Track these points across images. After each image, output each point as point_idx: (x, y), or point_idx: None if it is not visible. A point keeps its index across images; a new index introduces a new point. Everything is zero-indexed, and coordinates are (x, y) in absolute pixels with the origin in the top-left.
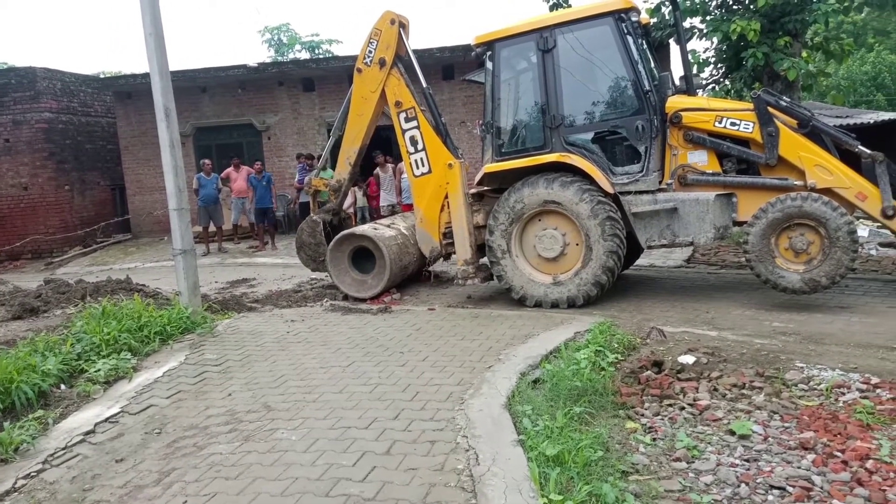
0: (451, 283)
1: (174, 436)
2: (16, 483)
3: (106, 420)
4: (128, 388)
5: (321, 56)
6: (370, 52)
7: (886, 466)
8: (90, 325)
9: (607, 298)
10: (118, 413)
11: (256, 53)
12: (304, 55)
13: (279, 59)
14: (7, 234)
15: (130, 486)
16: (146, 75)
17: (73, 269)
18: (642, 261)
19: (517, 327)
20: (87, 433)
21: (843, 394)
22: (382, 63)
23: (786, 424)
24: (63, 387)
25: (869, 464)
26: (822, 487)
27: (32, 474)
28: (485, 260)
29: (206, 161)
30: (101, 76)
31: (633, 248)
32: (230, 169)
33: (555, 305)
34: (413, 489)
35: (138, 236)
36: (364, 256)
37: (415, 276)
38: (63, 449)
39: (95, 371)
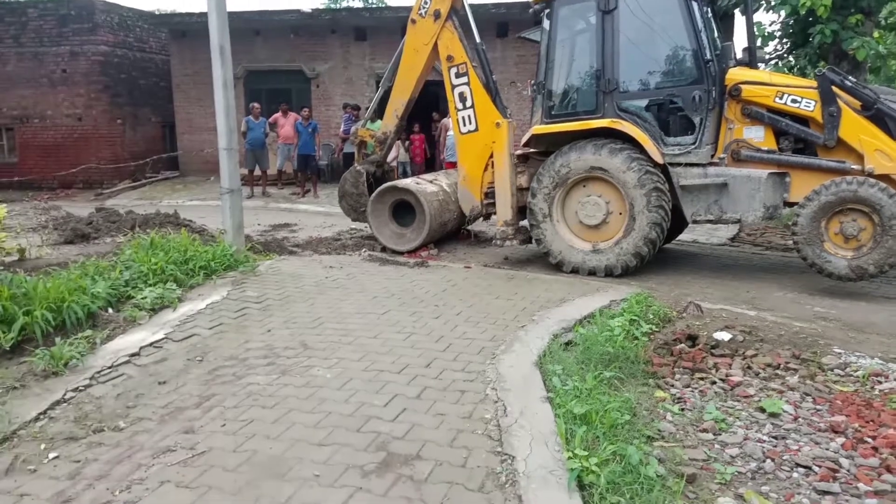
0: (489, 243)
1: (214, 364)
2: (65, 395)
3: (150, 344)
4: (172, 316)
5: (374, 5)
6: (426, 3)
7: None
8: (138, 255)
9: (646, 270)
10: (162, 339)
11: None
12: (358, 3)
13: (332, 6)
14: (60, 162)
15: (172, 406)
16: (202, 14)
17: (122, 201)
18: (685, 236)
19: (552, 291)
20: (133, 355)
21: (880, 382)
22: (437, 15)
23: (818, 407)
24: (111, 310)
25: None
26: (848, 470)
27: (81, 388)
28: (525, 222)
29: (255, 104)
30: (157, 13)
31: (678, 222)
32: (278, 114)
33: (592, 273)
34: (441, 433)
35: (186, 174)
36: (405, 210)
37: (454, 233)
38: (109, 368)
39: (142, 298)
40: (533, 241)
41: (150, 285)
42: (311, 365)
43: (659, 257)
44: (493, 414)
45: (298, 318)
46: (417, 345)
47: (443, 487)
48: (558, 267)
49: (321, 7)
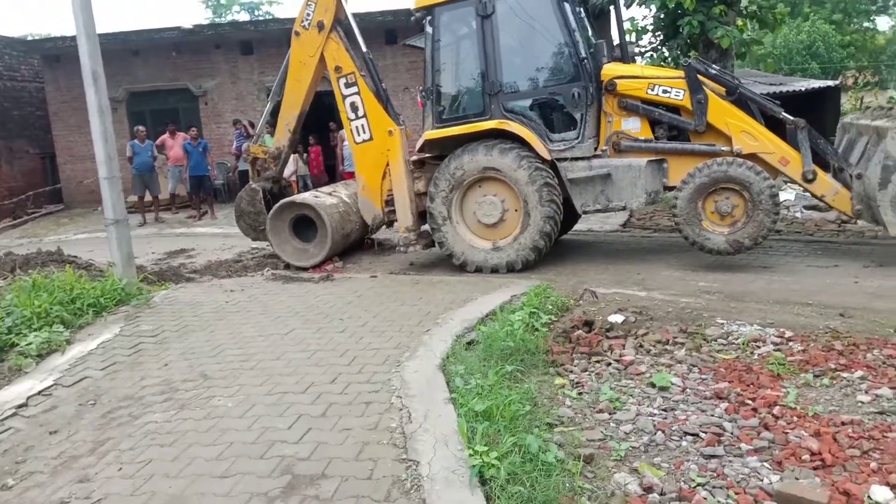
0: (394, 250)
1: (109, 406)
2: None
3: (39, 393)
4: (61, 360)
5: (260, 18)
6: (308, 14)
7: (791, 412)
8: (20, 298)
9: (545, 262)
10: (51, 386)
11: (194, 15)
12: (243, 17)
13: (217, 20)
14: None
15: (65, 456)
16: (75, 38)
17: (2, 241)
18: (580, 226)
19: (456, 292)
20: (20, 406)
21: (759, 347)
22: (321, 26)
23: (703, 376)
24: None
25: (776, 410)
26: (731, 433)
27: None
28: (426, 227)
29: (140, 127)
30: (28, 38)
31: (572, 214)
32: (165, 136)
33: (495, 270)
34: (347, 447)
35: (71, 206)
36: (306, 225)
37: (358, 243)
38: None
39: (27, 344)
40: (436, 244)
41: (35, 330)
42: (211, 395)
43: (557, 249)
44: (399, 422)
45: (197, 348)
46: (322, 361)
47: (349, 503)
48: (462, 268)
49: (204, 23)
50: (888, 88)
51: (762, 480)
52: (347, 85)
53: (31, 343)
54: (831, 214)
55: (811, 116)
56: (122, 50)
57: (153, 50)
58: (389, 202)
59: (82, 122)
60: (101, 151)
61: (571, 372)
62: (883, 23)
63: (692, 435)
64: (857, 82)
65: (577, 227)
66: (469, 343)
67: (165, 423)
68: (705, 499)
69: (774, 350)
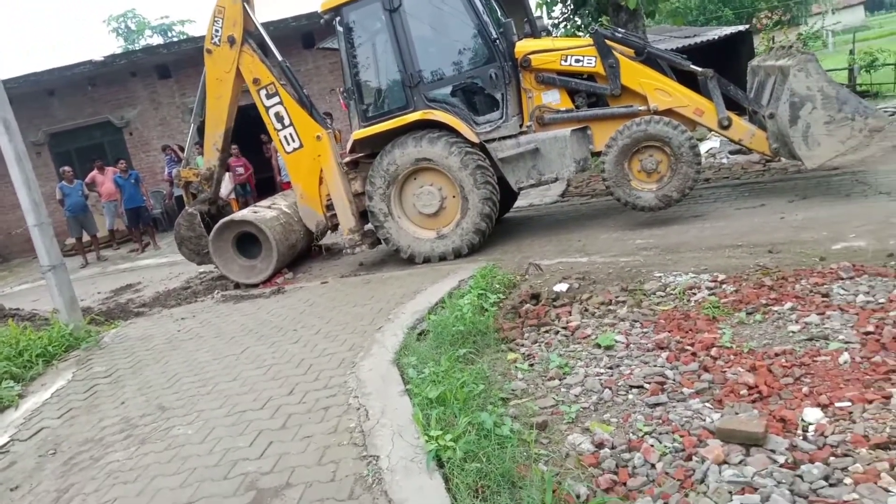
0: (342, 253)
1: (70, 453)
2: None
3: None
4: (16, 415)
5: (174, 39)
6: (217, 31)
7: (728, 351)
8: None
9: (491, 243)
10: (8, 442)
11: (107, 45)
12: (157, 40)
13: (130, 47)
14: None
15: None
16: None
17: None
18: (521, 202)
19: (406, 285)
20: None
21: (695, 294)
22: (232, 41)
23: (644, 330)
24: None
25: (713, 351)
26: (674, 379)
27: None
28: (370, 226)
29: (66, 168)
30: None
31: (510, 192)
32: (94, 172)
33: (442, 258)
34: (309, 454)
35: (9, 258)
36: (250, 241)
37: (305, 252)
38: None
39: None
40: (381, 241)
41: None
42: (170, 426)
43: (501, 228)
44: (357, 421)
45: (153, 382)
46: (278, 375)
47: None
48: (411, 260)
49: (117, 52)
50: (800, 25)
51: (704, 420)
52: (268, 96)
53: None
54: (756, 156)
55: (728, 63)
56: (37, 91)
57: (68, 87)
58: (330, 206)
59: (5, 171)
60: (26, 199)
61: (522, 346)
62: None
63: (637, 387)
64: (770, 23)
65: (517, 203)
66: (421, 334)
67: (127, 460)
68: (652, 446)
69: (709, 295)
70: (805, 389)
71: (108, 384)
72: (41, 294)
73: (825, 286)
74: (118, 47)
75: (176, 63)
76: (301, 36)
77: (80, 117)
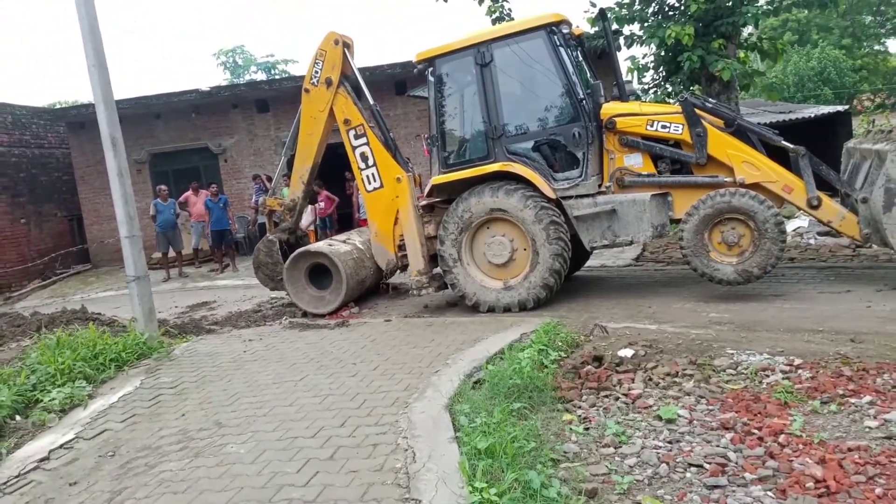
0: (409, 293)
1: (127, 457)
2: None
3: (60, 446)
4: (83, 414)
5: (277, 77)
6: (316, 72)
7: (797, 440)
8: (45, 356)
9: (557, 299)
10: (73, 439)
11: (213, 77)
12: (261, 76)
13: (235, 81)
14: None
15: None
16: None
17: (32, 302)
18: (594, 262)
19: (468, 332)
20: (42, 460)
21: (768, 376)
22: (329, 83)
23: (710, 407)
24: (18, 417)
25: (781, 438)
26: (736, 462)
27: None
28: (438, 269)
29: (163, 187)
30: (57, 106)
31: (583, 251)
32: (189, 193)
33: (507, 309)
34: (353, 489)
35: (98, 266)
36: (322, 273)
37: (373, 288)
38: (16, 477)
39: (50, 400)
40: (448, 286)
41: (59, 386)
42: (224, 443)
43: (570, 286)
44: (404, 462)
45: (214, 398)
46: (333, 406)
47: None
48: (475, 308)
49: (223, 84)
50: None
51: None
52: (357, 136)
53: (54, 399)
54: (845, 240)
55: (824, 142)
56: (144, 114)
57: (173, 112)
58: (402, 247)
59: (107, 184)
60: (122, 212)
61: (579, 408)
62: (894, 45)
63: (696, 466)
64: (871, 105)
65: (589, 262)
66: (477, 382)
67: (180, 471)
68: None
69: (783, 378)
70: (879, 491)
71: (172, 395)
72: (123, 302)
73: None
74: (224, 80)
75: (275, 98)
76: (394, 83)
77: (182, 141)
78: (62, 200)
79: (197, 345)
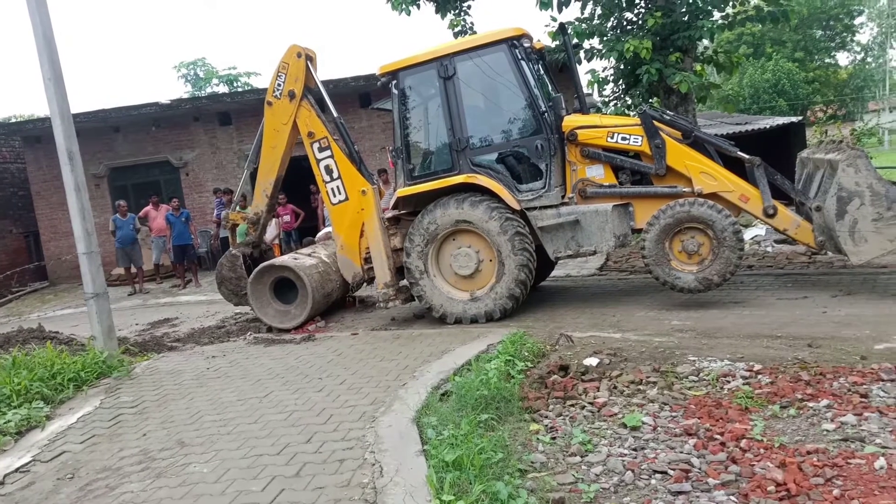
0: (376, 306)
1: (87, 479)
2: None
3: (16, 470)
4: (40, 436)
5: (239, 89)
6: (279, 85)
7: (758, 444)
8: (0, 377)
9: (524, 310)
10: (30, 462)
11: (174, 89)
12: (223, 89)
13: (197, 93)
14: None
15: None
16: None
17: None
18: (559, 272)
19: (435, 344)
20: None
21: (728, 382)
22: (292, 95)
23: (674, 414)
24: None
25: (743, 443)
26: (699, 468)
27: None
28: (405, 282)
29: (121, 202)
30: (13, 120)
31: (548, 261)
32: (149, 207)
33: (474, 321)
34: None
35: (56, 283)
36: (287, 287)
37: (340, 302)
38: None
39: (5, 422)
40: (415, 298)
41: (15, 407)
42: (187, 463)
43: (536, 296)
44: (371, 477)
45: (176, 417)
46: (298, 422)
47: None
48: (442, 320)
49: (184, 96)
50: (855, 120)
51: None
52: (321, 149)
53: (9, 421)
54: (801, 247)
55: (779, 153)
56: (103, 127)
57: (133, 125)
58: (368, 259)
59: (64, 199)
60: (79, 227)
61: (546, 417)
62: (843, 58)
63: (661, 473)
64: (824, 116)
65: (554, 273)
66: (444, 394)
67: (141, 492)
68: None
69: (743, 384)
70: (836, 492)
71: (132, 414)
72: (81, 320)
73: (864, 386)
74: (185, 92)
75: (238, 111)
76: (358, 95)
77: (141, 155)
78: (18, 217)
79: (158, 363)
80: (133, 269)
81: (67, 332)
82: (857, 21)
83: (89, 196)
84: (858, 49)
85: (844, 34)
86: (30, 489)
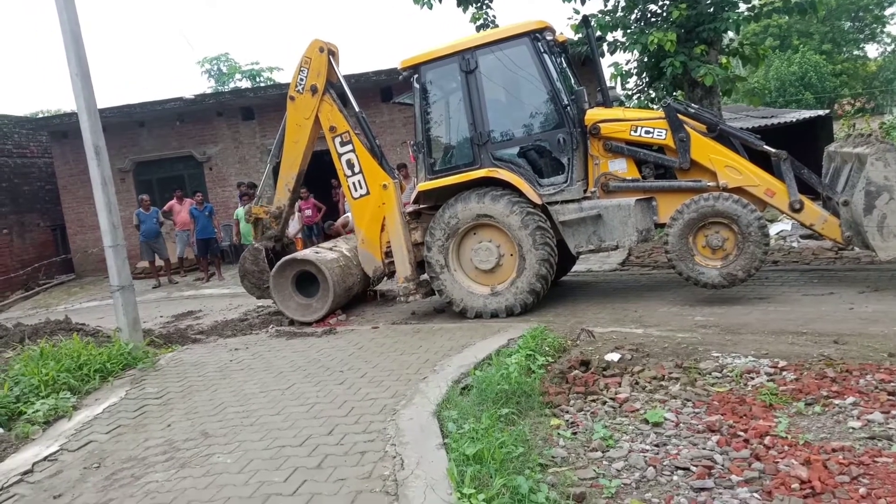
0: (396, 300)
1: (112, 468)
2: None
3: (45, 459)
4: (67, 426)
5: (262, 84)
6: (301, 80)
7: (782, 441)
8: (28, 368)
9: (544, 305)
10: (57, 451)
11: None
12: (245, 84)
13: (220, 89)
14: None
15: None
16: None
17: (15, 313)
18: (580, 266)
19: (456, 339)
20: (25, 473)
21: (752, 378)
22: (314, 90)
23: (696, 410)
24: (1, 430)
25: (767, 440)
26: (722, 465)
27: None
28: (425, 276)
29: (144, 196)
30: (40, 115)
31: (569, 256)
32: (173, 202)
33: (494, 315)
34: (341, 497)
35: (82, 276)
36: (308, 280)
37: (361, 295)
38: None
39: (34, 412)
40: (435, 292)
41: (43, 397)
42: (211, 453)
43: (557, 291)
44: (392, 469)
45: (200, 408)
46: (320, 414)
47: None
48: (462, 314)
49: (208, 91)
50: (884, 113)
51: None
52: (342, 143)
53: (38, 410)
54: (828, 242)
55: (806, 147)
56: (128, 122)
57: (157, 120)
58: (389, 253)
59: (90, 193)
60: (105, 221)
61: (567, 412)
62: (872, 50)
63: (683, 469)
64: (852, 110)
65: (576, 267)
66: (465, 388)
67: (166, 481)
68: None
69: (768, 380)
70: (862, 490)
71: (157, 405)
72: (107, 312)
73: (892, 384)
74: (208, 87)
75: (260, 106)
76: (380, 90)
77: (166, 149)
78: (45, 210)
79: (182, 354)
80: (159, 261)
81: (94, 324)
82: (887, 12)
83: (115, 190)
84: (889, 41)
85: (874, 25)
86: (57, 477)
